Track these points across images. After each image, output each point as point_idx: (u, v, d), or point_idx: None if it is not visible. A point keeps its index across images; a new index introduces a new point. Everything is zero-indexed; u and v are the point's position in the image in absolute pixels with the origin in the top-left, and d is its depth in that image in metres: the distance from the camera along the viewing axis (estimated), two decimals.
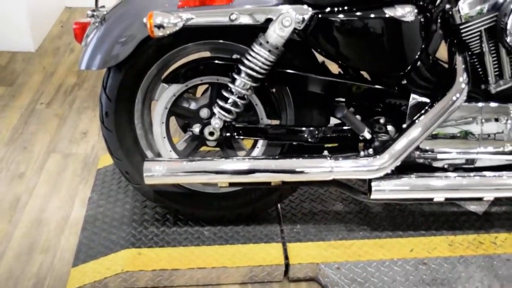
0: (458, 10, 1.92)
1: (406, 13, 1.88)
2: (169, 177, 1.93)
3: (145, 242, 2.14)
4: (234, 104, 1.95)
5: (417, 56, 1.95)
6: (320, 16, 1.86)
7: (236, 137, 2.03)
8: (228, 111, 1.96)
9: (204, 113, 2.02)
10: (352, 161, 1.94)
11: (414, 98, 1.99)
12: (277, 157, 2.00)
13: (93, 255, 2.10)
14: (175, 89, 2.01)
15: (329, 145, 2.10)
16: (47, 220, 2.36)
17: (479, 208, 2.35)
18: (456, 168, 2.09)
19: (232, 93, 1.94)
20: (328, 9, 1.87)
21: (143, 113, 2.09)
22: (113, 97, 2.00)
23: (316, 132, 2.02)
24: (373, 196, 1.99)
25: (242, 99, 1.95)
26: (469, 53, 1.98)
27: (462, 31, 1.94)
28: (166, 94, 2.02)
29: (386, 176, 1.98)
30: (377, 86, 2.00)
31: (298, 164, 1.94)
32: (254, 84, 1.92)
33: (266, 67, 1.89)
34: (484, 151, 2.06)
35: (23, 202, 2.46)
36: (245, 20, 1.85)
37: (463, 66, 1.96)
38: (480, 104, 2.01)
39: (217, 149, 2.17)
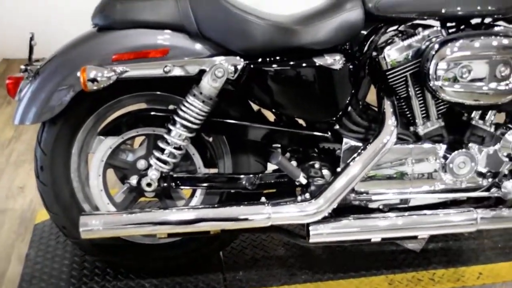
0: (384, 57, 2.01)
1: (334, 61, 1.96)
2: (106, 231, 1.91)
3: None
4: (171, 155, 1.96)
5: (347, 102, 2.03)
6: (252, 66, 1.91)
7: (174, 187, 2.04)
8: (164, 162, 1.97)
9: (141, 164, 2.02)
10: (289, 206, 1.97)
11: (347, 142, 2.05)
12: (215, 205, 2.00)
13: None
14: (111, 141, 2.01)
15: (267, 191, 2.12)
16: None
17: (416, 245, 2.41)
18: (391, 208, 2.15)
19: (168, 144, 1.95)
20: (260, 60, 1.93)
21: (79, 166, 2.07)
22: (48, 151, 1.98)
23: (254, 179, 2.04)
24: (311, 240, 2.02)
25: (178, 149, 1.96)
26: (397, 97, 2.07)
27: (389, 76, 2.02)
28: (102, 146, 2.01)
29: (324, 220, 2.02)
30: (311, 132, 2.05)
31: (236, 212, 1.95)
32: (189, 135, 1.94)
33: (200, 117, 1.91)
34: (417, 190, 2.13)
35: None
36: (178, 72, 1.88)
37: (392, 110, 2.04)
38: (410, 146, 2.09)
39: (156, 199, 2.17)
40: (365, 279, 2.24)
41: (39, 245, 2.37)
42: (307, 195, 2.02)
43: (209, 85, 1.87)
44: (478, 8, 2.00)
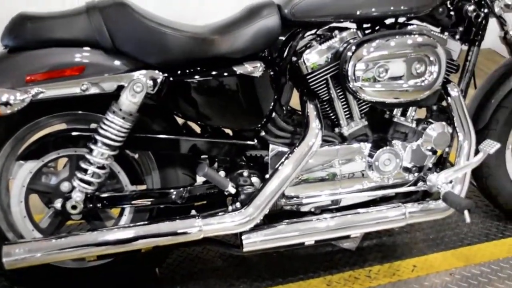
0: (304, 62, 2.03)
1: (254, 69, 1.96)
2: (31, 259, 1.84)
3: None
4: (95, 174, 1.91)
5: (271, 108, 2.03)
6: (171, 79, 1.89)
7: (101, 207, 1.98)
8: (88, 182, 1.91)
9: (65, 187, 1.96)
10: (220, 217, 1.96)
11: (274, 149, 2.06)
12: (145, 223, 1.97)
13: None
14: (31, 165, 1.94)
15: (198, 204, 2.10)
16: None
17: (352, 244, 2.42)
18: (323, 210, 2.17)
19: (91, 163, 1.90)
20: (179, 72, 1.90)
21: (0, 194, 1.99)
22: None
23: (183, 192, 2.02)
24: (245, 249, 2.01)
25: (102, 168, 1.91)
26: (319, 100, 2.09)
27: (310, 80, 2.04)
28: (22, 171, 1.94)
29: (257, 227, 2.01)
30: (237, 141, 2.05)
31: (166, 228, 1.92)
32: (112, 153, 1.89)
33: (122, 134, 1.87)
34: (346, 190, 2.16)
35: None
36: (96, 89, 1.83)
37: (315, 113, 2.05)
38: (336, 147, 2.11)
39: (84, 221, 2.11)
40: (303, 282, 2.25)
41: None
42: (238, 204, 2.01)
43: (128, 100, 1.84)
44: (392, 8, 2.05)
